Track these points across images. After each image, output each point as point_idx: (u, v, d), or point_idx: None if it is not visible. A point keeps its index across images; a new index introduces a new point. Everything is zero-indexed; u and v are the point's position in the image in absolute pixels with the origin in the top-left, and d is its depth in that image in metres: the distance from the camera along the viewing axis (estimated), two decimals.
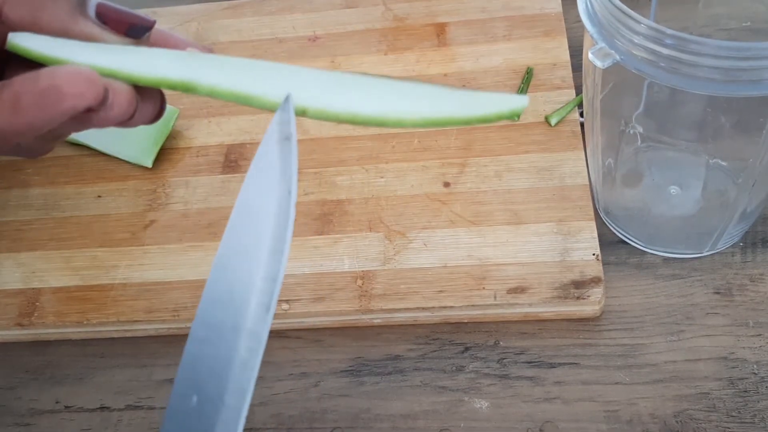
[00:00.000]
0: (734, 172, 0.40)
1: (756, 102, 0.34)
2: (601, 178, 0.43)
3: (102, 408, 0.42)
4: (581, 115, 0.47)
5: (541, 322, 0.42)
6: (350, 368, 0.42)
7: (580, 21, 0.37)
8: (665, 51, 0.31)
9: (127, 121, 0.30)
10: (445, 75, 0.52)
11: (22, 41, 0.28)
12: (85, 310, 0.44)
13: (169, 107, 0.52)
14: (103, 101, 0.28)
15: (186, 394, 0.26)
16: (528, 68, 0.51)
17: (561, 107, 0.48)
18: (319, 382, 0.41)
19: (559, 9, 0.54)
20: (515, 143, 0.47)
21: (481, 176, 0.46)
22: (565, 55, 0.51)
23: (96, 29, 0.29)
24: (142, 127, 0.50)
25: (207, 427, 0.25)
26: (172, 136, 0.52)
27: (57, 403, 0.43)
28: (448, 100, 0.29)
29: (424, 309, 0.41)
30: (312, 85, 0.28)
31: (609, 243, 0.44)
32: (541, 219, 0.43)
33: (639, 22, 0.31)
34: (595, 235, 0.42)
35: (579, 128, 0.47)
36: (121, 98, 0.28)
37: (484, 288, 0.41)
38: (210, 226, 0.47)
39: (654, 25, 0.31)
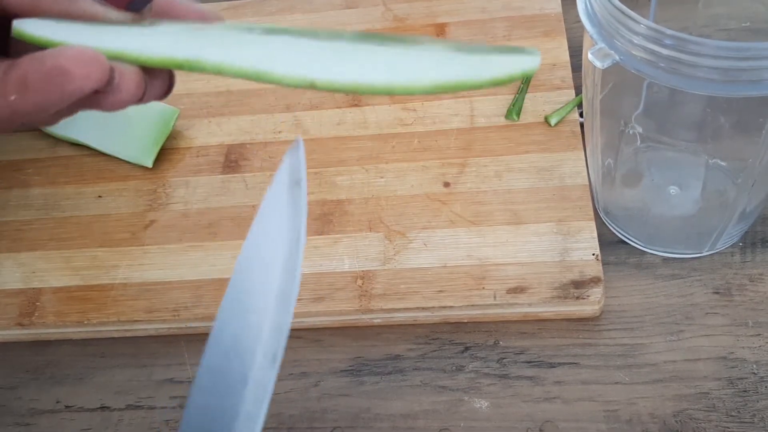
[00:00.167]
0: (734, 172, 0.41)
1: (755, 102, 0.34)
2: (601, 178, 0.43)
3: (102, 408, 0.42)
4: (581, 115, 0.47)
5: (540, 322, 0.42)
6: (350, 368, 0.42)
7: (579, 21, 0.37)
8: (665, 51, 0.31)
9: (138, 101, 0.30)
10: None
11: (28, 27, 0.28)
12: (86, 309, 0.44)
13: (169, 107, 0.52)
14: (109, 82, 0.27)
15: None
16: None
17: (561, 107, 0.48)
18: (319, 381, 0.41)
19: (559, 9, 0.54)
20: (515, 143, 0.47)
21: (481, 176, 0.46)
22: (565, 56, 0.51)
23: (97, 7, 0.29)
24: (142, 127, 0.51)
25: None
26: (173, 136, 0.52)
27: (57, 402, 0.43)
28: (456, 65, 0.28)
29: (423, 309, 0.41)
30: (319, 56, 0.28)
31: (609, 243, 0.44)
32: (541, 219, 0.43)
33: (638, 23, 0.31)
34: (595, 235, 0.42)
35: (579, 128, 0.47)
36: (129, 82, 0.28)
37: (483, 288, 0.41)
38: (210, 226, 0.47)
39: (653, 25, 0.31)
